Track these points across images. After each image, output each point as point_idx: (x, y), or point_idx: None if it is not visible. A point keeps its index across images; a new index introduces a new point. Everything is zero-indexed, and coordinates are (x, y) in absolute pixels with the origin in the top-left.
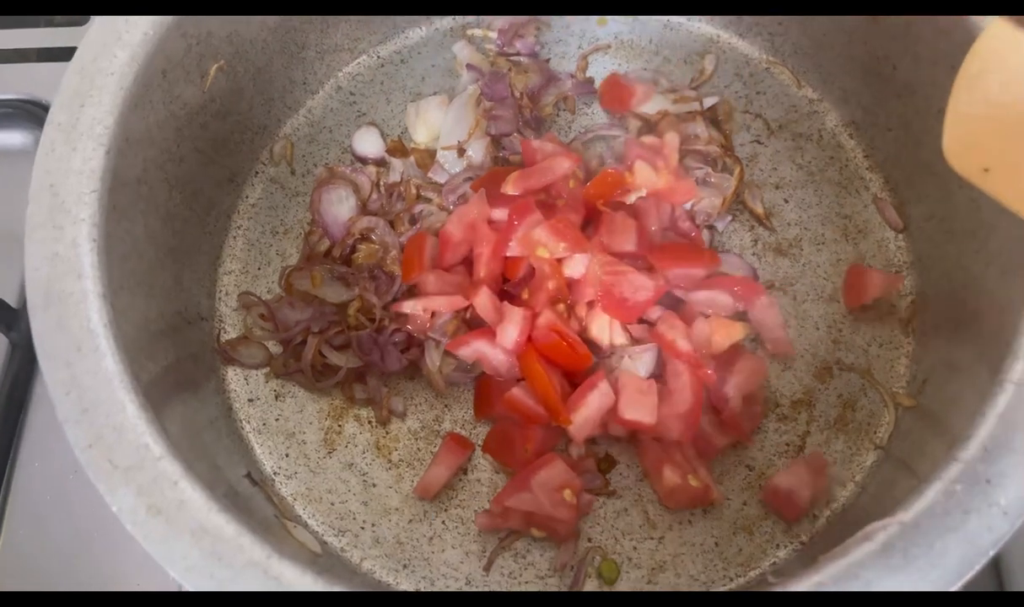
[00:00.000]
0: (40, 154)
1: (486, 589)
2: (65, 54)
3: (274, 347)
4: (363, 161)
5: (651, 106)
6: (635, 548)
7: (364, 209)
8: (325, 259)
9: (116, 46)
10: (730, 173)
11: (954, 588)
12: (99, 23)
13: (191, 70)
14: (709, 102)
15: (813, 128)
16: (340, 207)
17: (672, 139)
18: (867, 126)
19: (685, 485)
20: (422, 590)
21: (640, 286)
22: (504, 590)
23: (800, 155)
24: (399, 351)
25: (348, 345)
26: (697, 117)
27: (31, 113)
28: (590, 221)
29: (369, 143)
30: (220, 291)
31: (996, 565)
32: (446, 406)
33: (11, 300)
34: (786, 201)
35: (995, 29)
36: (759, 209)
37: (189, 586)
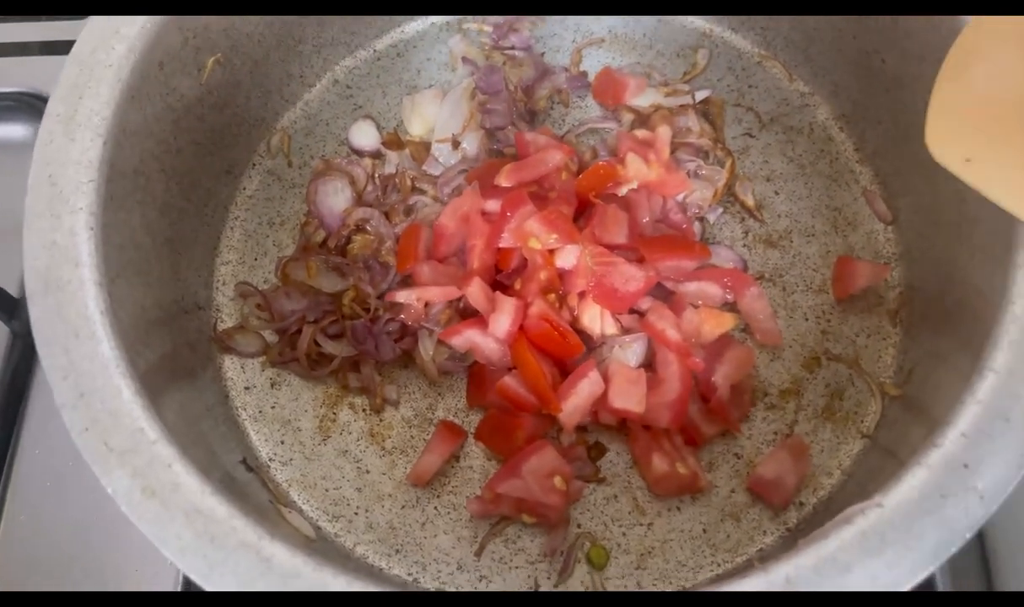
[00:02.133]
0: (39, 145)
1: (477, 573)
2: (66, 47)
3: (270, 336)
4: (359, 153)
5: (644, 99)
6: (624, 534)
7: (360, 201)
8: (321, 250)
9: (114, 39)
10: (721, 166)
11: (930, 571)
12: (97, 16)
13: (188, 63)
14: (701, 95)
15: (804, 121)
16: (336, 198)
17: (664, 132)
18: (857, 119)
19: (674, 473)
20: (414, 574)
21: (631, 277)
22: (495, 574)
23: (791, 148)
24: (393, 340)
25: (343, 334)
26: (689, 110)
27: (32, 106)
28: (582, 213)
29: (365, 136)
30: (217, 281)
31: (985, 564)
32: (439, 394)
33: (12, 290)
34: (777, 193)
35: (979, 21)
36: (750, 201)
37: (182, 566)
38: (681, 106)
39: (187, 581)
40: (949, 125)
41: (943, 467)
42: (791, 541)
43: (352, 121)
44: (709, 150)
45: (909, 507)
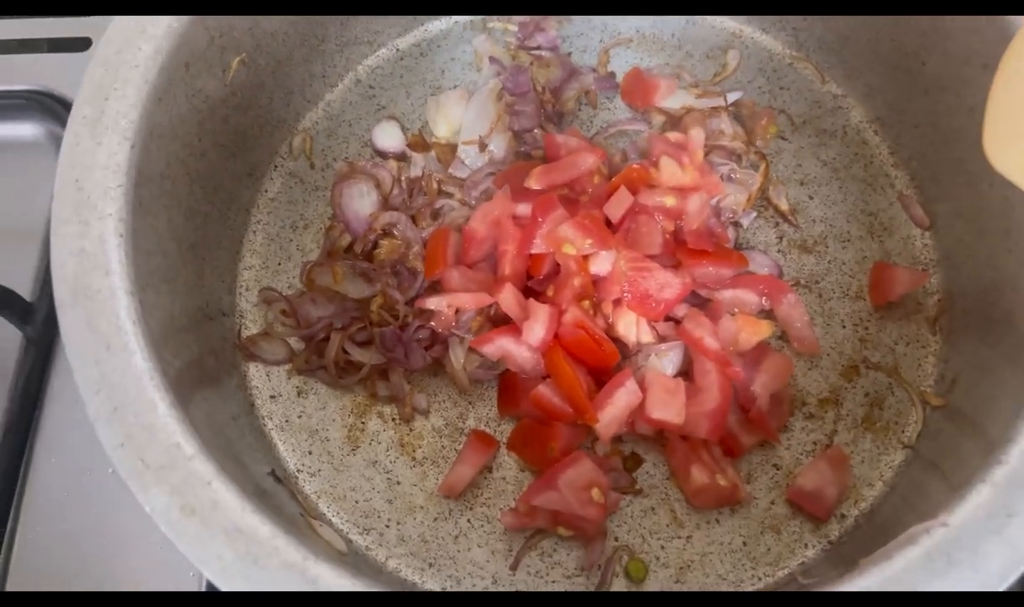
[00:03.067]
0: (65, 148)
1: (512, 589)
2: (76, 44)
3: (296, 343)
4: (383, 155)
5: (674, 101)
6: (663, 547)
7: (385, 204)
8: (346, 254)
9: (140, 39)
10: (755, 169)
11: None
12: (121, 16)
13: (213, 63)
14: (733, 97)
15: (837, 124)
16: (361, 202)
17: (697, 135)
18: (893, 122)
19: (713, 484)
20: (448, 589)
21: (666, 283)
22: (531, 589)
23: (824, 151)
24: (423, 348)
25: (371, 342)
26: (721, 113)
27: (43, 104)
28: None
29: (389, 137)
30: (241, 286)
31: None
32: (470, 403)
33: (25, 294)
34: (811, 198)
35: None
36: (784, 206)
37: (224, 587)
38: (713, 108)
39: (210, 586)
40: (1008, 133)
41: (1008, 485)
42: (834, 555)
43: (375, 122)
44: (742, 153)
45: (975, 526)
